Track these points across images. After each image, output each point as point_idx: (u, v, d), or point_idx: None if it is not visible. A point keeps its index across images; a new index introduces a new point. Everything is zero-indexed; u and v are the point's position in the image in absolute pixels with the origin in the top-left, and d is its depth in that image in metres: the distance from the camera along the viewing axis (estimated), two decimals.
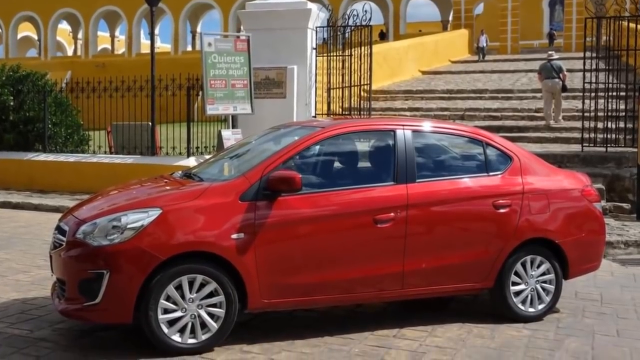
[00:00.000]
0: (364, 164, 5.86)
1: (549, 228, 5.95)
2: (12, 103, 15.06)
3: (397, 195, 5.47)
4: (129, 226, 4.80)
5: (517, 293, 5.84)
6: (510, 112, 17.58)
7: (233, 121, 13.43)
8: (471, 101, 19.37)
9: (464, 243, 5.68)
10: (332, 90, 14.97)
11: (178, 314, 4.83)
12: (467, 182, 5.82)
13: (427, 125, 6.11)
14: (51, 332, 5.31)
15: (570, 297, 6.56)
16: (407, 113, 17.93)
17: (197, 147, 13.66)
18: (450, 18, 38.82)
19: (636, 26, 13.00)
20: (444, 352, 5.05)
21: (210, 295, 4.90)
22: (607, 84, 12.81)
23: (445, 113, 17.79)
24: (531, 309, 5.88)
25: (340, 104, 14.76)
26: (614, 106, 12.77)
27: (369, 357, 4.91)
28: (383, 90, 21.20)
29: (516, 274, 5.83)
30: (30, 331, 5.33)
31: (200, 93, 13.50)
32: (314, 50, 14.25)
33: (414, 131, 5.80)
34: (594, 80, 12.72)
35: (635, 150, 12.01)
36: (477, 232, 5.74)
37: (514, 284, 5.83)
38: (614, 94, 12.85)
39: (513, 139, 9.84)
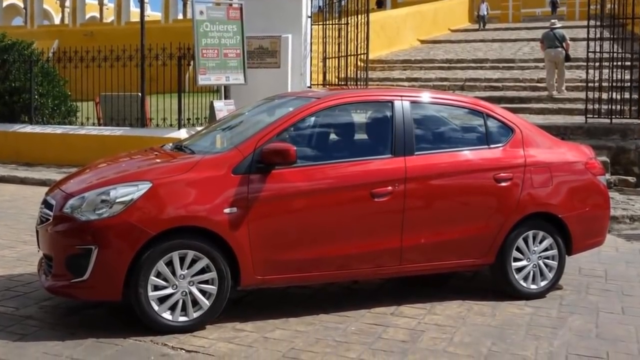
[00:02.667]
0: (360, 136, 5.78)
1: (551, 202, 5.90)
2: None
3: (395, 168, 5.40)
4: (118, 200, 4.72)
5: (519, 269, 5.80)
6: (512, 82, 17.46)
7: (225, 92, 13.31)
8: (471, 71, 19.23)
9: (464, 218, 5.62)
10: (327, 60, 14.84)
11: (169, 290, 4.77)
12: (467, 154, 5.76)
13: (425, 96, 6.03)
14: (37, 310, 5.26)
15: (573, 274, 6.53)
16: (405, 83, 17.81)
17: (189, 119, 13.55)
18: None
19: None
20: (443, 330, 5.02)
21: (202, 271, 4.84)
22: (611, 54, 12.70)
23: (445, 83, 17.67)
24: (533, 286, 5.85)
25: (337, 74, 14.64)
26: (619, 76, 12.67)
27: (365, 335, 4.88)
28: (380, 60, 21.04)
29: (518, 249, 5.79)
30: (16, 309, 5.27)
31: (192, 63, 13.37)
32: (309, 19, 14.09)
33: (412, 102, 5.71)
34: (598, 49, 12.61)
35: None
36: (477, 207, 5.68)
37: (516, 259, 5.78)
38: (619, 63, 12.74)
39: (514, 110, 9.75)
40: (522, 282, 5.81)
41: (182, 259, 4.79)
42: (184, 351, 4.53)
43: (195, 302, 4.84)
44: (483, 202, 5.70)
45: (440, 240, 5.54)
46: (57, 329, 4.87)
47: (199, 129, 10.81)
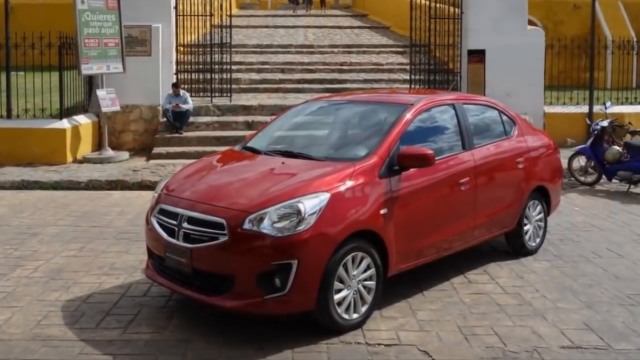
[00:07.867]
0: (442, 134, 5.67)
1: (544, 177, 6.46)
2: None
3: (469, 160, 5.53)
4: (308, 213, 4.21)
5: (526, 232, 6.31)
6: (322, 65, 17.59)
7: (101, 79, 11.89)
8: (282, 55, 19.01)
9: (506, 195, 5.96)
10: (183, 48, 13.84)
11: (345, 292, 4.42)
12: (503, 144, 6.05)
13: (470, 98, 6.28)
14: None
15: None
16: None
17: (68, 108, 11.81)
18: None
19: None
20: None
21: (365, 269, 4.56)
22: None
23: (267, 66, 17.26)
24: (533, 243, 6.42)
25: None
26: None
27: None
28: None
29: (525, 216, 6.27)
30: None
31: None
32: (175, 10, 13.04)
33: (463, 103, 5.85)
34: None
35: None
36: (512, 186, 6.05)
37: (524, 225, 6.27)
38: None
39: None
40: (530, 243, 6.34)
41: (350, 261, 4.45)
42: (382, 346, 4.25)
43: (361, 299, 4.55)
44: (514, 182, 6.07)
45: (494, 216, 5.82)
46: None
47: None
